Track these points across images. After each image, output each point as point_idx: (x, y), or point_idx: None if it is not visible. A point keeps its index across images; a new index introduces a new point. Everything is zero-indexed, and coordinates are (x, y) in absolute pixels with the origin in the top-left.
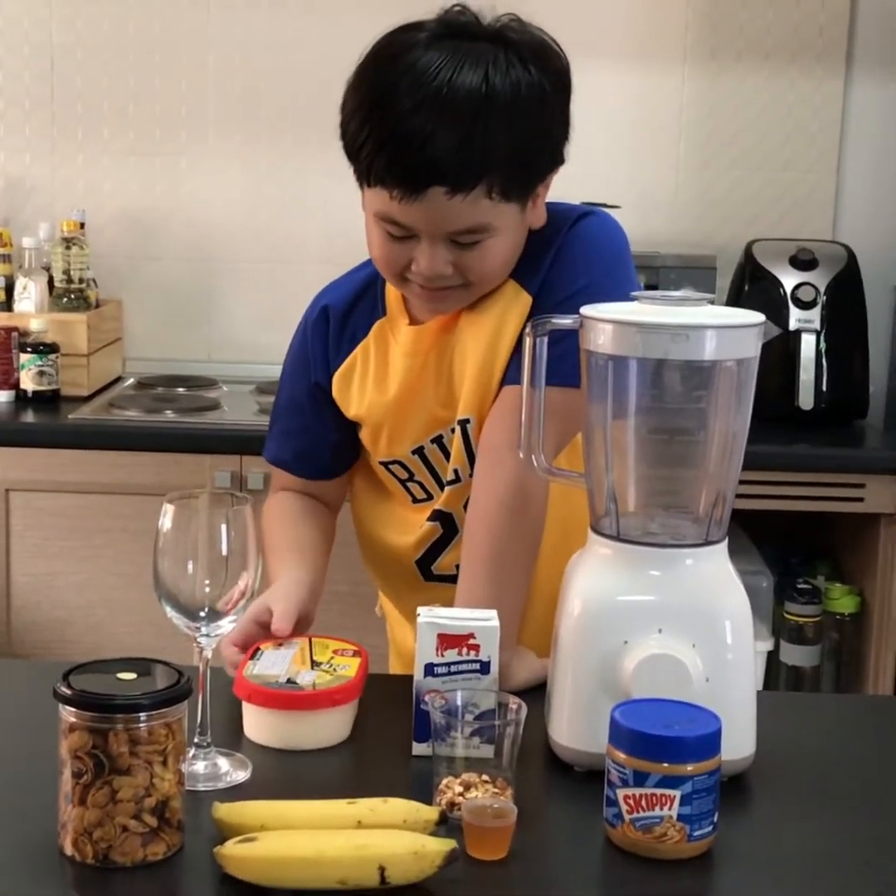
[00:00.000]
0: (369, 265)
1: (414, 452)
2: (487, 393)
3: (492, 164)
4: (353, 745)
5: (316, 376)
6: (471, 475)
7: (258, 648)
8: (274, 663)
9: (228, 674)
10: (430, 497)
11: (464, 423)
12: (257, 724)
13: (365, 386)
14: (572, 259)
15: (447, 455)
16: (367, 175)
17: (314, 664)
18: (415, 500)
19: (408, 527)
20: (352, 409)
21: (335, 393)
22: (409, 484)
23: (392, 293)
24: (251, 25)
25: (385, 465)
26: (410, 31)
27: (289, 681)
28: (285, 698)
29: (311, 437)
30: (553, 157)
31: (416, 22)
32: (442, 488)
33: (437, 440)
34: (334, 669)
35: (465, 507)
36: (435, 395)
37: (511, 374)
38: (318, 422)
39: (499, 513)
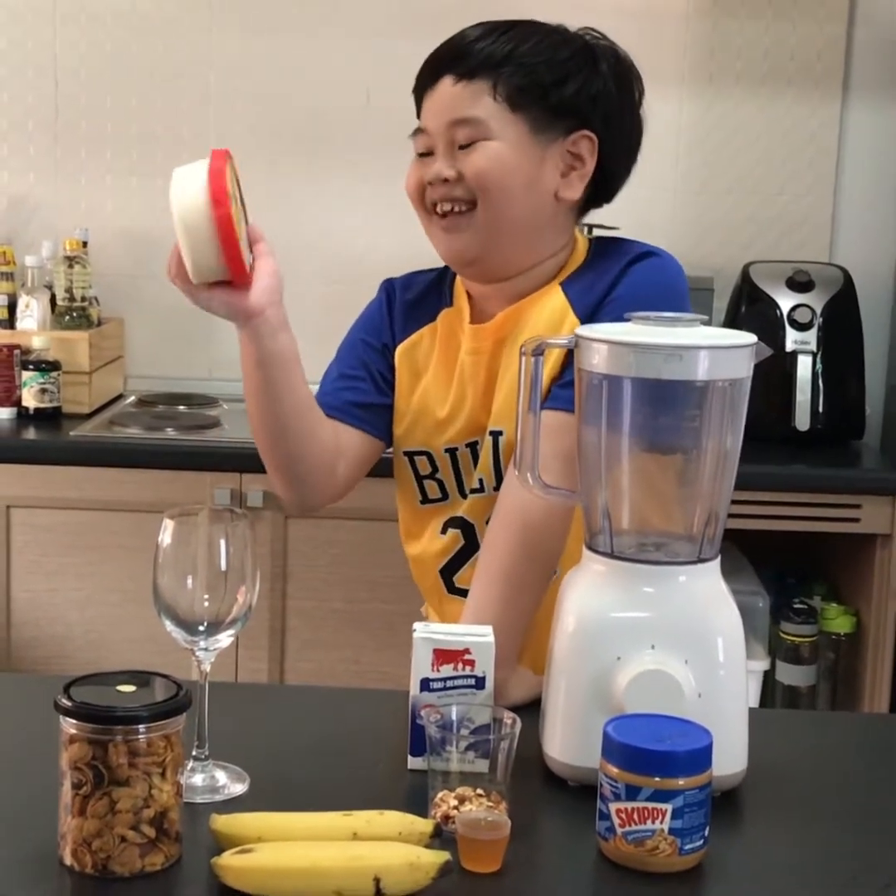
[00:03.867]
0: (439, 267)
1: (447, 451)
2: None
3: (500, 62)
4: (349, 758)
5: (386, 338)
6: (495, 488)
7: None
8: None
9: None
10: (443, 498)
11: (496, 435)
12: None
13: (427, 368)
14: (623, 296)
15: (476, 461)
16: (416, 98)
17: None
18: (425, 500)
19: (416, 529)
20: (406, 387)
21: (397, 363)
22: (427, 481)
23: (459, 288)
24: (253, 48)
25: (410, 455)
26: None
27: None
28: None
29: (358, 382)
30: (574, 105)
31: None
32: (463, 495)
33: (472, 445)
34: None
35: (488, 522)
36: (482, 401)
37: (552, 399)
38: (373, 369)
39: (514, 532)
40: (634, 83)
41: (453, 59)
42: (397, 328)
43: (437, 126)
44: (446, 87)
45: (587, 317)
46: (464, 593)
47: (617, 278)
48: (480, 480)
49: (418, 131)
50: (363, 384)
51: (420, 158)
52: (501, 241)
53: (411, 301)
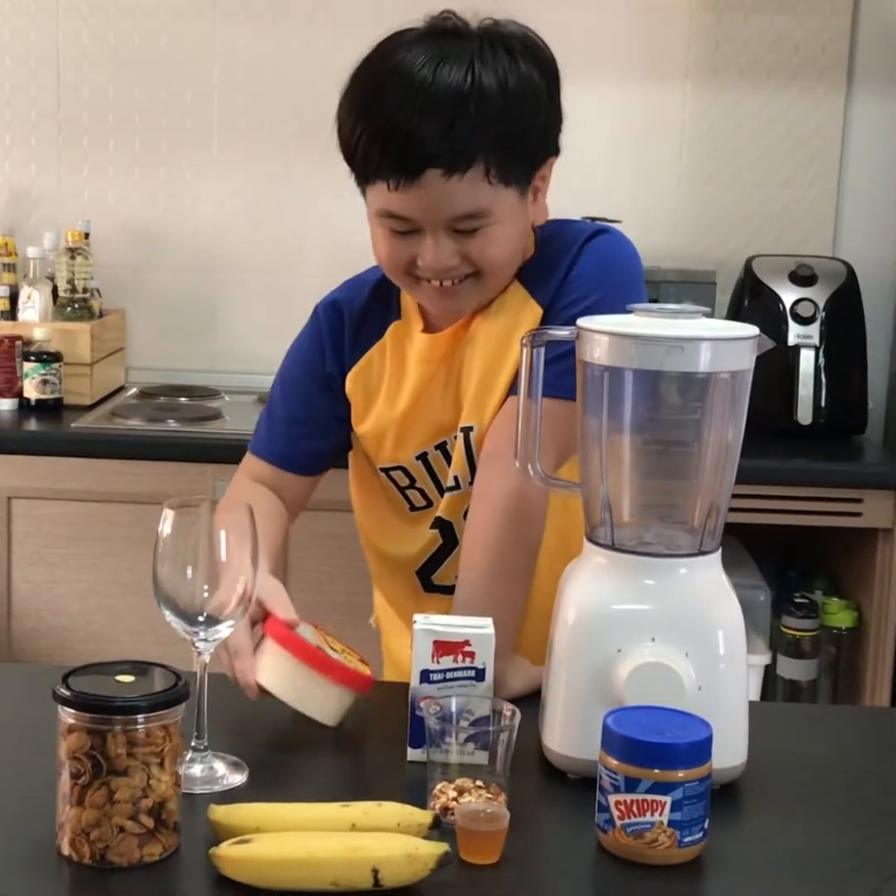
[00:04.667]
0: (371, 269)
1: (418, 458)
2: (491, 401)
3: (484, 145)
4: (348, 749)
5: (330, 367)
6: (471, 483)
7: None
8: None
9: (230, 675)
10: (429, 504)
11: (467, 431)
12: (276, 668)
13: (379, 388)
14: (584, 274)
15: (449, 461)
16: (364, 172)
17: (331, 648)
18: (412, 508)
19: (406, 536)
20: (362, 410)
21: (349, 390)
22: (409, 491)
23: (408, 299)
24: (255, 38)
25: (387, 471)
26: (398, 35)
27: (317, 647)
28: (315, 654)
29: (310, 428)
30: (546, 144)
31: (404, 28)
32: (442, 495)
33: (441, 446)
34: (347, 660)
35: (465, 516)
36: (442, 401)
37: (517, 385)
38: (323, 412)
39: (498, 522)
40: (552, 63)
41: (431, 154)
42: (347, 354)
43: (432, 219)
44: (436, 183)
45: (548, 302)
46: (443, 590)
47: (575, 258)
48: (456, 478)
49: (389, 215)
50: (313, 429)
51: (397, 235)
52: (496, 289)
53: (357, 321)
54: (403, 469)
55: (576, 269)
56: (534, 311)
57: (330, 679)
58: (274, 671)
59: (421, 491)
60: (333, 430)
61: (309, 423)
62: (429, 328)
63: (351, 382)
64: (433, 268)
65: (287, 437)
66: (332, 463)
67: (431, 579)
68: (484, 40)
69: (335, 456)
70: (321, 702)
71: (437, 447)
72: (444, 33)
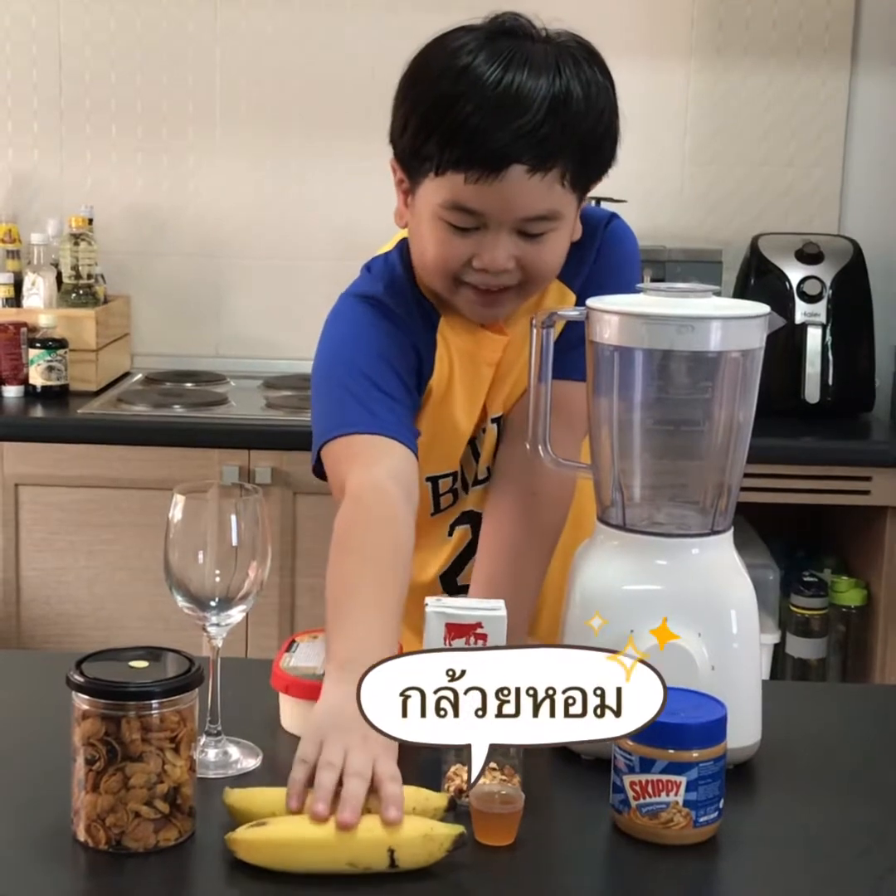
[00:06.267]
0: (384, 270)
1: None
2: (520, 391)
3: (568, 148)
4: None
5: (414, 363)
6: None
7: (293, 641)
8: (310, 655)
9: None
10: (453, 503)
11: (497, 421)
12: (295, 715)
13: (439, 387)
14: (612, 258)
15: (477, 457)
16: (438, 164)
17: None
18: (437, 511)
19: (428, 547)
20: (426, 413)
21: (433, 398)
22: (444, 496)
23: (431, 294)
24: (257, 22)
25: (433, 480)
26: (462, 33)
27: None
28: (317, 686)
29: (407, 405)
30: (613, 157)
31: (464, 25)
32: (466, 491)
33: (471, 443)
34: None
35: None
36: (479, 397)
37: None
38: (413, 398)
39: (520, 505)
40: (610, 74)
41: (522, 148)
42: (424, 361)
43: (504, 217)
44: (518, 178)
45: (580, 288)
46: (466, 591)
47: (600, 245)
48: (488, 469)
49: (458, 208)
50: (409, 403)
51: (457, 232)
52: (537, 293)
53: (407, 319)
54: (452, 473)
55: (603, 253)
56: (569, 299)
57: None
58: (292, 716)
59: (455, 491)
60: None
61: (404, 400)
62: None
63: (433, 392)
64: (489, 267)
65: (396, 415)
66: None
67: (456, 581)
68: (556, 46)
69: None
70: None
71: (468, 443)
72: (515, 34)
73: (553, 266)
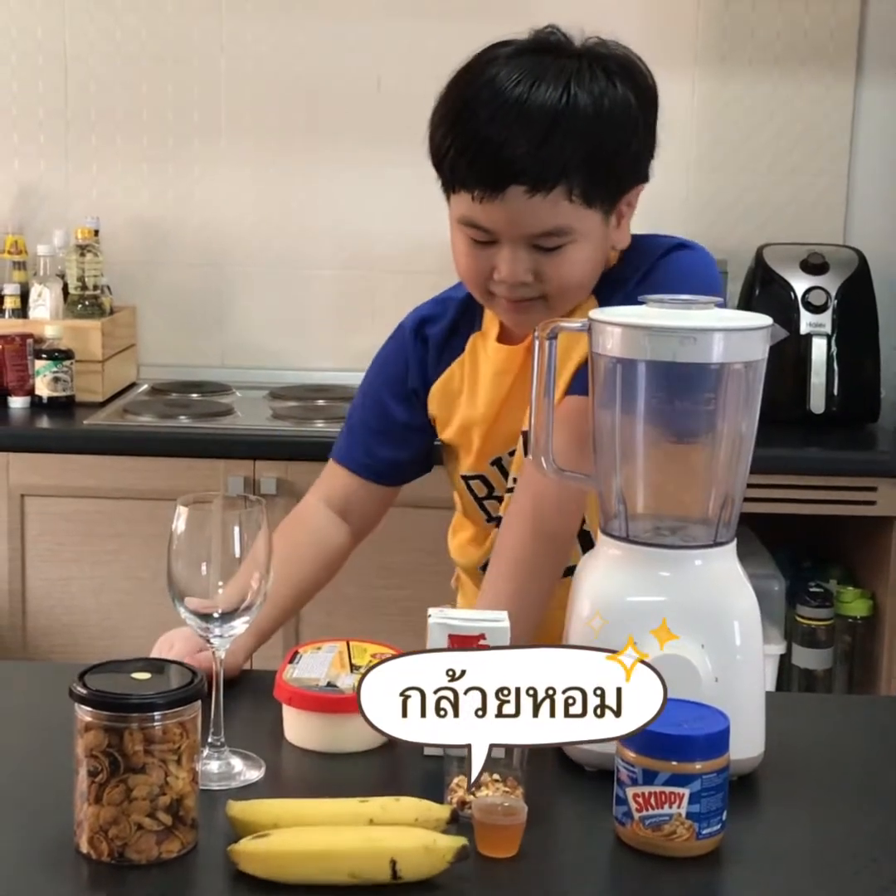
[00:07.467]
0: (463, 291)
1: (492, 464)
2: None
3: (570, 165)
4: None
5: (413, 383)
6: None
7: (296, 652)
8: (313, 667)
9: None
10: (489, 493)
11: (526, 434)
12: (298, 727)
13: (460, 396)
14: (658, 284)
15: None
16: (451, 181)
17: (353, 667)
18: (489, 519)
19: (482, 538)
20: (445, 419)
21: (431, 404)
22: (487, 502)
23: (488, 311)
24: (263, 32)
25: (467, 480)
26: (498, 46)
27: (329, 684)
28: (326, 701)
29: (388, 437)
30: (636, 171)
31: (505, 40)
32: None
33: (512, 452)
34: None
35: None
36: (521, 411)
37: (573, 386)
38: (401, 423)
39: (530, 519)
40: (652, 91)
41: (516, 171)
42: (430, 369)
43: (512, 233)
44: (519, 199)
45: None
46: None
47: (649, 270)
48: (516, 479)
49: (471, 224)
50: (391, 438)
51: (477, 245)
52: (565, 309)
53: (443, 338)
54: (483, 478)
55: (648, 279)
56: None
57: (347, 713)
58: (295, 728)
59: (499, 499)
60: (411, 440)
61: (386, 433)
62: (508, 338)
63: (433, 397)
64: (507, 280)
65: (365, 445)
66: (409, 476)
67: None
68: (584, 60)
69: (413, 469)
70: (352, 737)
71: (511, 453)
72: (544, 49)
73: (577, 279)
